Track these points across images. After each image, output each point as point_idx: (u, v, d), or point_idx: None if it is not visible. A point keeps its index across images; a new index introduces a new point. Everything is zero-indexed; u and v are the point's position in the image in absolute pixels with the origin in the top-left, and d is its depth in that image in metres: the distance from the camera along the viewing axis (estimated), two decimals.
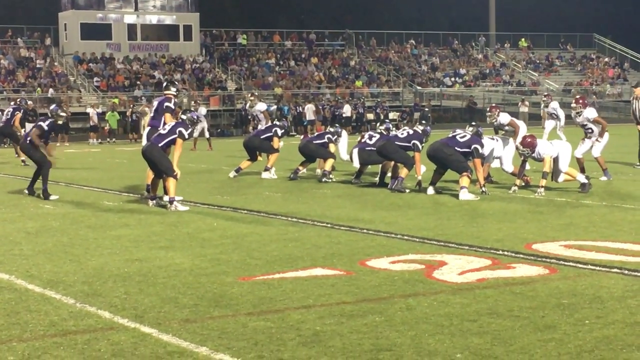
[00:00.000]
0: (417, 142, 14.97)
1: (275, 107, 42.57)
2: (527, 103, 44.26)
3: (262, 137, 18.14)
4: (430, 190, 14.09)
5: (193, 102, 37.95)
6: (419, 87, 55.74)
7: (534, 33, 67.97)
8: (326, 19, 70.24)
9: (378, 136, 16.06)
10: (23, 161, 23.03)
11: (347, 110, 45.94)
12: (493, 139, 15.32)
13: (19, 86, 46.01)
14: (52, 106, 15.38)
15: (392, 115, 47.73)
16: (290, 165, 19.00)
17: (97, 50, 50.60)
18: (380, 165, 15.96)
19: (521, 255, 8.56)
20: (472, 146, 13.83)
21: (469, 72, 60.64)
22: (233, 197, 14.42)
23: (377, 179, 16.11)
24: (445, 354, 5.34)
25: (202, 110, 34.40)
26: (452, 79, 58.70)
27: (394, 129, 17.31)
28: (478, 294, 6.91)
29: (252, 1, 72.25)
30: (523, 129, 16.09)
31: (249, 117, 33.26)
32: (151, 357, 5.38)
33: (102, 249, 9.32)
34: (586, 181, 14.18)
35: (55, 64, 49.82)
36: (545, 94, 28.18)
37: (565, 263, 8.14)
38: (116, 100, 43.77)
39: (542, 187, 13.76)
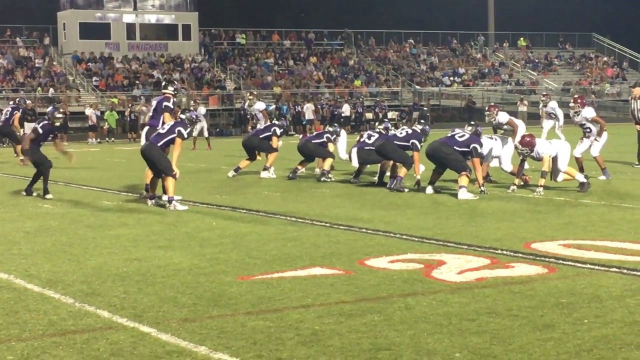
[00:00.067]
0: (416, 142, 14.97)
1: (274, 106, 42.57)
2: (525, 102, 44.26)
3: (261, 136, 18.14)
4: (429, 190, 14.09)
5: (192, 102, 37.87)
6: (417, 87, 55.77)
7: (533, 32, 68.01)
8: (325, 18, 70.22)
9: (377, 135, 16.06)
10: (22, 160, 23.02)
11: (346, 110, 45.95)
12: (492, 138, 15.32)
13: (17, 86, 46.01)
14: (49, 108, 15.38)
15: (391, 114, 47.72)
16: (289, 164, 19.00)
17: (96, 49, 50.59)
18: (379, 165, 15.96)
19: (520, 255, 8.57)
20: (471, 145, 13.84)
21: (468, 71, 60.65)
22: (232, 196, 14.42)
23: (376, 178, 16.11)
24: (444, 353, 5.34)
25: (201, 109, 34.42)
26: (451, 78, 58.70)
27: (392, 128, 17.30)
28: (477, 293, 6.91)
29: (251, 1, 72.25)
30: (522, 129, 16.09)
31: (248, 116, 33.28)
32: (150, 356, 5.38)
33: (101, 248, 9.32)
34: (585, 180, 14.19)
35: (54, 63, 49.81)
36: (544, 93, 28.17)
37: (564, 262, 8.15)
38: (115, 100, 43.76)
39: (541, 186, 13.76)
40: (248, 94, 24.95)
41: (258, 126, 20.72)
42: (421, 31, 64.67)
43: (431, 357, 5.28)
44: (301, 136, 23.67)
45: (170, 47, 53.16)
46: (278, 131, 18.11)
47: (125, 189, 15.82)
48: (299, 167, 17.49)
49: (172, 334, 5.85)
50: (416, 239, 9.66)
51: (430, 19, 71.29)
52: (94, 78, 48.22)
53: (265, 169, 17.89)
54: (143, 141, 14.28)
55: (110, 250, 9.19)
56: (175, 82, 17.19)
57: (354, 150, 16.02)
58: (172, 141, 12.81)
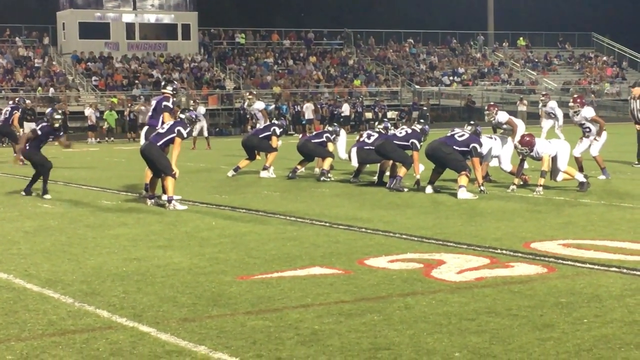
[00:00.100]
0: (416, 141, 14.96)
1: (273, 106, 42.55)
2: (525, 102, 44.26)
3: (260, 136, 18.14)
4: (429, 189, 14.09)
5: (191, 101, 37.85)
6: (417, 86, 55.77)
7: (533, 32, 68.02)
8: (324, 18, 70.21)
9: (376, 135, 16.05)
10: (21, 160, 23.01)
11: (345, 110, 45.94)
12: (491, 137, 15.33)
13: (17, 85, 46.00)
14: (48, 109, 15.37)
15: (390, 114, 47.73)
16: (288, 164, 19.00)
17: (96, 49, 50.59)
18: (378, 164, 15.96)
19: (520, 254, 8.57)
20: (471, 145, 13.84)
21: (468, 71, 60.66)
22: (231, 196, 14.42)
23: (375, 178, 16.11)
24: (443, 353, 5.34)
25: (201, 109, 34.40)
26: (451, 78, 58.71)
27: (392, 128, 17.30)
28: (476, 292, 6.91)
29: (250, 0, 72.24)
30: (521, 128, 16.09)
31: (248, 116, 33.28)
32: (149, 356, 5.38)
33: (100, 248, 9.32)
34: (585, 180, 14.19)
35: (54, 63, 49.81)
36: (544, 93, 28.18)
37: (564, 262, 8.15)
38: (115, 100, 43.76)
39: (540, 186, 13.76)
40: (247, 94, 24.95)
41: (257, 126, 20.72)
42: (421, 31, 64.68)
43: (431, 357, 5.28)
44: (301, 136, 23.65)
45: (170, 46, 53.16)
46: (277, 131, 18.10)
47: (125, 188, 15.82)
48: (299, 166, 17.49)
49: (172, 333, 5.84)
50: (416, 239, 9.66)
51: (429, 18, 71.29)
52: (94, 78, 48.22)
53: (265, 168, 17.89)
54: (142, 141, 14.28)
55: (110, 249, 9.19)
56: (175, 82, 17.18)
57: (354, 150, 16.02)
58: (172, 141, 12.81)
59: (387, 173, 15.59)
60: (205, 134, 31.12)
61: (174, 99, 14.59)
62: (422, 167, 15.22)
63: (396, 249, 8.95)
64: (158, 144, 12.80)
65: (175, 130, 12.82)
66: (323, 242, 9.43)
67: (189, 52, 53.32)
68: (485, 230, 10.20)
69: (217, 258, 8.60)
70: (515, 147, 14.24)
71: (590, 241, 9.32)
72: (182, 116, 13.38)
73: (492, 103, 17.90)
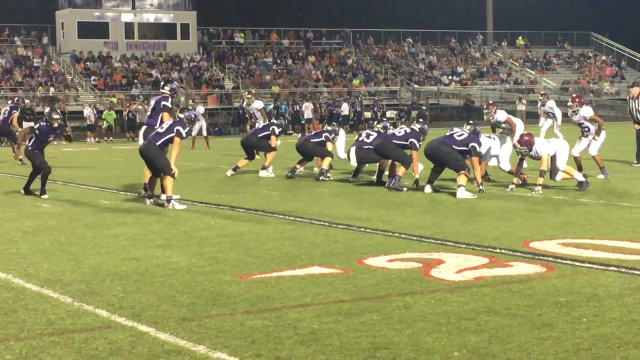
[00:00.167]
0: (415, 141, 14.96)
1: (272, 106, 42.55)
2: (524, 101, 44.29)
3: (259, 135, 18.14)
4: (428, 189, 14.09)
5: (190, 101, 37.87)
6: (416, 86, 55.78)
7: (532, 31, 68.02)
8: (323, 17, 70.22)
9: (375, 134, 16.05)
10: (20, 160, 23.03)
11: (345, 109, 45.94)
12: (490, 137, 15.33)
13: (16, 85, 45.99)
14: (46, 110, 15.35)
15: (389, 113, 47.73)
16: (287, 163, 19.00)
17: (95, 48, 50.58)
18: (377, 164, 15.96)
19: (518, 254, 8.57)
20: (470, 144, 13.83)
21: (467, 70, 60.67)
22: (230, 195, 14.42)
23: (374, 177, 16.12)
24: (442, 352, 5.34)
25: (200, 108, 34.39)
26: (450, 77, 58.71)
27: (391, 127, 17.30)
28: (475, 292, 6.91)
29: (249, 0, 72.22)
30: (520, 127, 16.10)
31: (247, 115, 33.27)
32: (148, 355, 5.38)
33: (99, 247, 9.31)
34: (583, 179, 14.19)
35: (53, 62, 49.80)
36: (542, 92, 28.18)
37: (563, 261, 8.15)
38: (114, 99, 43.76)
39: (539, 185, 13.77)
40: (246, 93, 24.95)
41: (257, 125, 20.72)
42: (420, 30, 64.68)
43: (430, 356, 5.28)
44: (300, 135, 23.65)
45: (169, 46, 53.16)
46: (277, 130, 18.10)
47: (124, 188, 15.81)
48: (298, 166, 17.49)
49: (171, 333, 5.84)
50: (415, 238, 9.66)
51: (428, 18, 71.32)
52: (93, 77, 48.21)
53: (264, 168, 17.89)
54: (141, 140, 14.28)
55: (109, 249, 9.19)
56: (175, 82, 17.17)
57: (353, 150, 16.02)
58: (171, 140, 12.80)
59: (386, 172, 15.59)
60: (204, 133, 31.11)
61: (173, 99, 14.59)
62: (421, 167, 15.22)
63: (395, 249, 8.95)
64: (157, 144, 12.80)
65: (175, 130, 12.81)
66: (322, 242, 9.43)
67: (188, 51, 53.32)
68: (484, 229, 10.20)
69: (216, 257, 8.60)
70: (514, 146, 14.25)
71: (589, 240, 9.32)
72: (181, 116, 13.38)
73: (491, 102, 17.90)
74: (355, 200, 13.45)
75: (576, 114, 16.13)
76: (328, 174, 16.87)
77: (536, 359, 5.20)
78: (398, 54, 61.46)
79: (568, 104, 16.49)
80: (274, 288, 7.15)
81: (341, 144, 18.11)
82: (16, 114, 24.78)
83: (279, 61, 56.36)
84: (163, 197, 12.81)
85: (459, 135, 13.99)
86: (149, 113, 14.80)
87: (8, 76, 46.89)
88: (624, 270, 7.71)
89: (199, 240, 9.69)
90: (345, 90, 52.65)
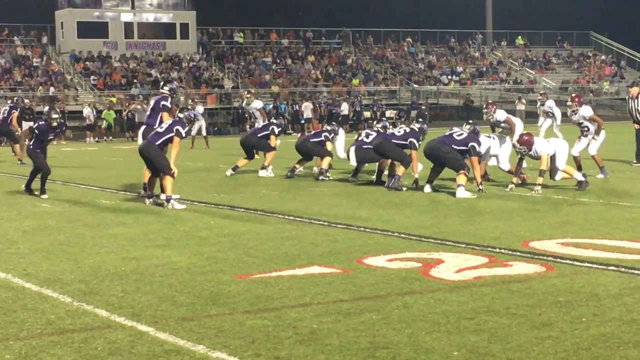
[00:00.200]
0: (414, 140, 14.95)
1: (271, 106, 42.54)
2: (524, 101, 44.28)
3: (259, 135, 18.14)
4: (427, 188, 14.09)
5: (190, 101, 37.87)
6: (415, 85, 55.77)
7: (531, 31, 68.01)
8: (323, 17, 70.23)
9: (375, 134, 16.06)
10: (20, 160, 23.03)
11: (344, 109, 45.93)
12: (490, 137, 15.33)
13: (15, 85, 45.97)
14: (45, 108, 15.32)
15: (389, 113, 47.73)
16: (287, 163, 19.00)
17: (94, 48, 50.57)
18: (377, 164, 15.96)
19: (518, 253, 8.57)
20: (469, 144, 13.83)
21: (466, 70, 60.66)
22: (230, 195, 14.41)
23: (374, 177, 16.11)
24: (442, 352, 5.34)
25: (199, 108, 34.39)
26: (449, 77, 58.71)
27: (390, 127, 17.30)
28: (475, 291, 6.91)
29: None
30: (520, 127, 16.10)
31: (246, 115, 33.26)
32: (148, 355, 5.38)
33: (98, 247, 9.31)
34: (583, 179, 14.19)
35: (52, 62, 49.79)
36: (542, 92, 28.18)
37: (562, 261, 8.15)
38: (114, 99, 43.76)
39: (539, 185, 13.77)
40: (246, 93, 24.96)
41: (256, 125, 20.72)
42: (419, 30, 64.66)
43: (429, 356, 5.28)
44: (299, 135, 23.65)
45: (168, 45, 53.16)
46: (276, 130, 18.10)
47: (123, 188, 15.81)
48: (297, 165, 17.49)
49: (170, 332, 5.84)
50: (414, 238, 9.66)
51: (428, 17, 71.33)
52: (92, 77, 48.20)
53: (264, 167, 17.89)
54: (140, 140, 14.28)
55: (108, 249, 9.19)
56: (174, 82, 17.16)
57: (352, 149, 16.03)
58: (171, 140, 12.80)
59: (386, 172, 15.59)
60: (204, 133, 31.09)
61: (173, 99, 14.58)
62: (420, 166, 15.22)
63: (395, 248, 8.95)
64: (157, 143, 12.79)
65: (174, 130, 12.81)
66: (322, 241, 9.43)
67: (187, 51, 53.31)
68: (483, 229, 10.20)
69: (215, 257, 8.60)
70: (514, 146, 14.25)
71: (589, 240, 9.32)
72: (181, 115, 13.38)
73: (490, 101, 17.90)
74: (354, 200, 13.45)
75: (576, 114, 16.13)
76: (327, 174, 16.87)
77: (536, 359, 5.20)
78: (397, 54, 61.46)
79: (567, 103, 16.49)
80: (274, 288, 7.15)
81: (341, 143, 18.12)
82: (15, 113, 24.78)
83: (278, 61, 56.36)
84: (162, 196, 12.81)
85: (458, 135, 13.99)
86: (148, 113, 14.80)
87: (7, 76, 46.89)
88: (623, 269, 7.72)
89: (199, 240, 9.69)
90: (345, 90, 52.65)
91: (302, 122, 44.39)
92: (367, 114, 47.43)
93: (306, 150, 17.35)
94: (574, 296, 6.72)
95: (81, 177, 18.27)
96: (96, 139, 39.19)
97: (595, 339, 5.55)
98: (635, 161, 19.13)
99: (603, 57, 66.57)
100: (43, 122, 14.46)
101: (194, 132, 27.92)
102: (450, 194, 13.72)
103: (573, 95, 17.17)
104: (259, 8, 70.78)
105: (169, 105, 14.29)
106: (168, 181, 12.59)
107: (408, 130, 15.26)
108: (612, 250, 8.68)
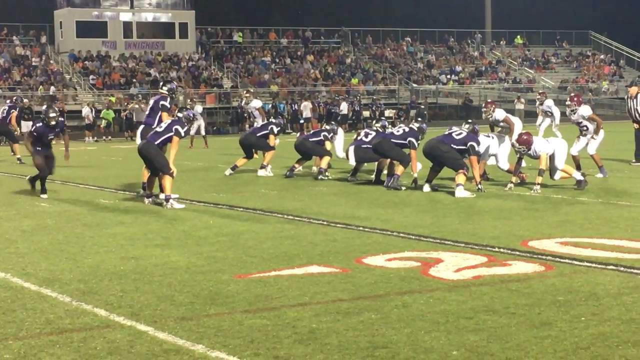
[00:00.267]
0: (413, 140, 14.95)
1: (270, 105, 42.52)
2: (522, 100, 44.27)
3: (258, 134, 18.14)
4: (426, 188, 14.09)
5: (189, 100, 37.86)
6: (414, 85, 55.75)
7: (530, 30, 67.99)
8: (322, 16, 70.20)
9: (374, 134, 16.06)
10: (19, 159, 23.03)
11: (343, 108, 45.91)
12: (489, 136, 15.33)
13: (14, 84, 45.95)
14: (43, 108, 15.29)
15: (388, 112, 47.73)
16: (286, 162, 19.00)
17: (93, 48, 50.53)
18: (376, 163, 15.96)
19: (517, 253, 8.57)
20: (468, 143, 13.83)
21: (465, 69, 60.65)
22: (229, 194, 14.41)
23: (373, 176, 16.11)
24: (441, 351, 5.34)
25: (198, 108, 34.35)
26: (448, 76, 58.70)
27: (389, 126, 17.31)
28: (474, 291, 6.91)
29: None
30: (519, 126, 16.10)
31: (245, 114, 33.25)
32: (147, 355, 5.38)
33: (97, 247, 9.31)
34: (582, 178, 14.20)
35: (51, 62, 49.76)
36: (540, 91, 28.20)
37: (561, 260, 8.15)
38: (113, 99, 43.75)
39: (538, 184, 13.77)
40: (245, 92, 24.96)
41: (255, 124, 20.72)
42: (418, 29, 64.63)
43: (428, 355, 5.28)
44: (298, 134, 23.64)
45: (167, 45, 53.12)
46: (275, 129, 18.10)
47: (122, 187, 15.81)
48: (296, 165, 17.49)
49: (169, 332, 5.84)
50: (413, 237, 9.66)
51: (427, 17, 71.34)
52: (91, 76, 48.17)
53: (263, 167, 17.88)
54: (138, 140, 14.28)
55: (107, 248, 9.19)
56: (174, 82, 17.14)
57: (351, 149, 16.03)
58: (170, 139, 12.80)
59: (385, 171, 15.59)
60: (203, 132, 31.08)
61: (172, 99, 14.57)
62: (419, 166, 15.22)
63: (394, 248, 8.95)
64: (156, 143, 12.79)
65: (173, 129, 12.80)
66: (321, 241, 9.43)
67: (186, 50, 53.28)
68: (482, 228, 10.20)
69: (214, 257, 8.60)
70: (513, 145, 14.25)
71: (588, 239, 9.32)
72: (180, 115, 13.38)
73: (489, 100, 17.91)
74: (353, 200, 13.45)
75: (575, 113, 16.14)
76: (327, 173, 16.87)
77: (535, 358, 5.20)
78: (396, 53, 61.44)
79: (567, 103, 16.49)
80: (273, 287, 7.15)
81: (340, 143, 18.12)
82: (15, 113, 24.79)
83: (277, 60, 56.33)
84: (162, 196, 12.81)
85: (457, 134, 14.00)
86: (147, 112, 14.79)
87: (6, 75, 46.86)
88: (622, 269, 7.72)
89: (198, 240, 9.69)
90: (344, 89, 52.63)
91: (301, 121, 44.38)
92: (366, 114, 47.40)
93: (305, 150, 17.35)
94: (573, 295, 6.73)
95: (80, 177, 18.26)
96: (95, 138, 39.18)
97: (594, 338, 5.55)
98: (634, 160, 19.13)
99: (602, 56, 66.57)
100: (41, 124, 14.38)
101: (192, 132, 27.93)
102: (449, 193, 13.72)
103: (572, 94, 17.18)
104: (258, 8, 70.77)
105: (168, 106, 14.28)
106: (167, 181, 12.59)
107: (407, 129, 15.26)
108: (611, 249, 8.69)
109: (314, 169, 17.78)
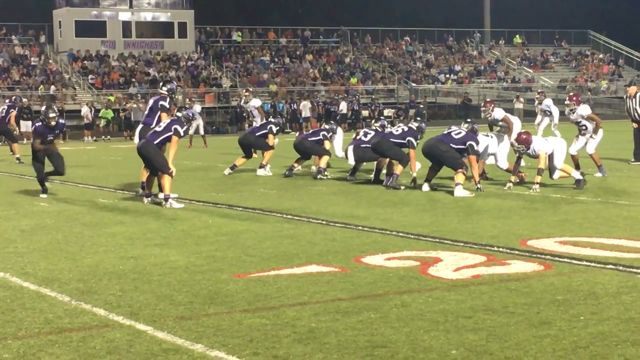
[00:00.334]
0: (412, 139, 14.96)
1: (269, 105, 42.51)
2: (521, 99, 44.30)
3: (257, 134, 18.14)
4: (425, 187, 14.10)
5: (188, 100, 37.88)
6: (413, 84, 55.75)
7: (529, 29, 68.00)
8: (321, 16, 70.19)
9: (373, 133, 16.06)
10: (18, 158, 23.02)
11: (343, 107, 45.89)
12: (487, 135, 15.34)
13: (13, 84, 45.93)
14: (43, 108, 15.26)
15: (387, 112, 47.73)
16: (285, 162, 19.00)
17: (92, 47, 50.51)
18: (375, 162, 15.96)
19: (516, 252, 8.57)
20: (467, 143, 13.83)
21: (464, 68, 60.65)
22: (228, 194, 14.41)
23: (372, 176, 16.11)
24: (440, 351, 5.34)
25: (197, 107, 34.34)
26: (447, 75, 58.70)
27: (389, 125, 17.31)
28: (473, 290, 6.91)
29: None
30: (518, 126, 16.11)
31: (244, 114, 33.25)
32: (146, 354, 5.38)
33: (97, 246, 9.31)
34: (581, 177, 14.20)
35: (50, 61, 49.74)
36: (539, 91, 28.21)
37: (560, 259, 8.16)
38: (112, 98, 43.74)
39: (537, 183, 13.77)
40: (244, 91, 24.97)
41: (254, 123, 20.72)
42: (417, 29, 64.63)
43: (427, 355, 5.28)
44: (297, 134, 23.65)
45: (166, 45, 53.11)
46: (274, 129, 18.11)
47: (122, 187, 15.81)
48: (296, 164, 17.49)
49: (169, 331, 5.84)
50: (412, 237, 9.66)
51: (426, 16, 71.30)
52: (90, 76, 48.16)
53: (262, 166, 17.89)
54: (137, 139, 14.28)
55: (107, 248, 9.19)
56: (173, 82, 17.14)
57: (350, 148, 16.03)
58: (169, 139, 12.80)
59: (384, 171, 15.59)
60: (201, 132, 31.08)
61: (171, 99, 14.57)
62: (418, 165, 15.23)
63: (393, 247, 8.95)
64: (155, 142, 12.79)
65: (172, 129, 12.80)
66: (320, 240, 9.43)
67: (185, 50, 53.27)
68: (481, 227, 10.20)
69: (213, 256, 8.60)
70: (512, 144, 14.26)
71: (587, 238, 9.33)
72: (179, 114, 13.38)
73: (488, 100, 17.93)
74: (353, 199, 13.46)
75: (574, 112, 16.14)
76: (326, 173, 16.87)
77: (534, 357, 5.20)
78: (395, 53, 61.44)
79: (566, 102, 16.50)
80: (272, 286, 7.15)
81: (339, 142, 18.12)
82: (14, 112, 24.77)
83: (276, 60, 56.33)
84: (161, 195, 12.80)
85: (456, 134, 14.00)
86: (146, 112, 14.80)
87: (5, 75, 46.84)
88: (621, 268, 7.72)
89: (197, 239, 9.69)
90: (343, 88, 52.61)
91: (301, 121, 44.38)
92: (365, 113, 47.39)
93: (304, 149, 17.36)
94: (572, 295, 6.73)
95: (79, 176, 18.26)
96: (94, 138, 39.17)
97: (593, 338, 5.55)
98: (633, 160, 19.14)
99: (601, 55, 66.58)
100: (40, 124, 14.35)
101: (192, 131, 27.92)
102: (448, 192, 13.72)
103: (571, 94, 17.19)
104: (257, 7, 70.75)
105: (167, 106, 14.29)
106: (166, 180, 12.59)
107: (406, 129, 15.27)
108: (610, 248, 8.69)
109: (313, 168, 17.78)
